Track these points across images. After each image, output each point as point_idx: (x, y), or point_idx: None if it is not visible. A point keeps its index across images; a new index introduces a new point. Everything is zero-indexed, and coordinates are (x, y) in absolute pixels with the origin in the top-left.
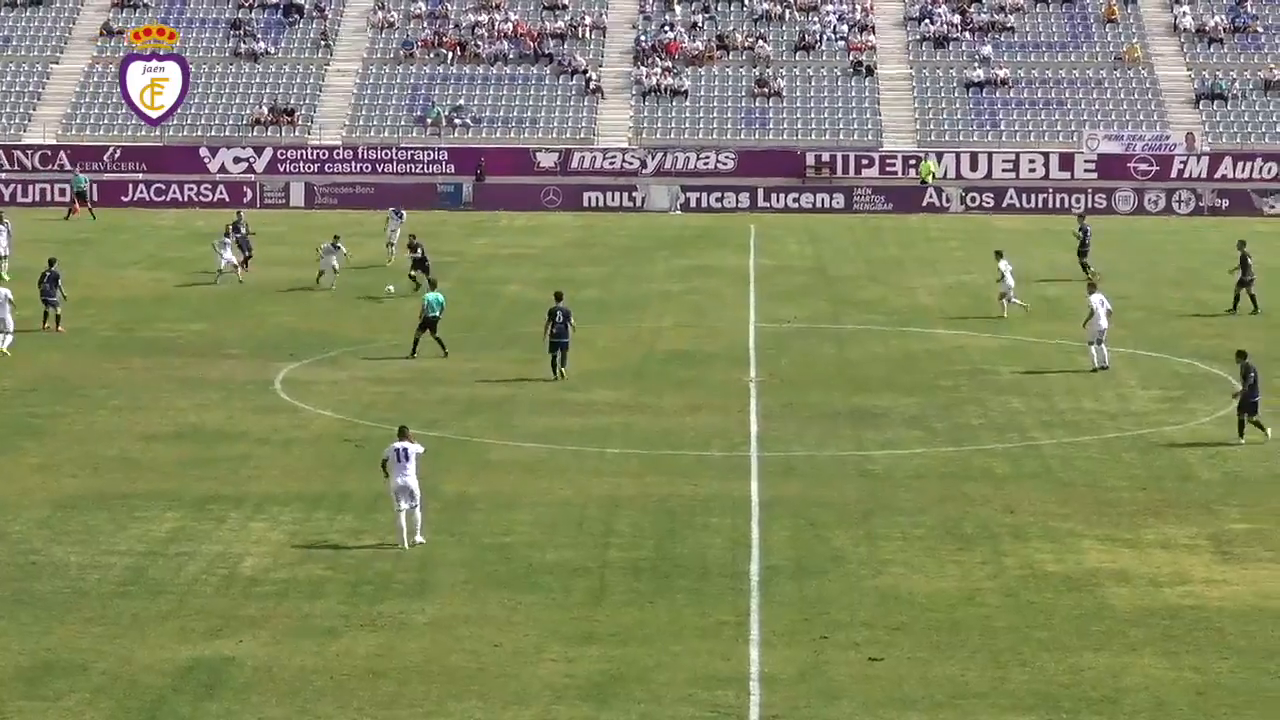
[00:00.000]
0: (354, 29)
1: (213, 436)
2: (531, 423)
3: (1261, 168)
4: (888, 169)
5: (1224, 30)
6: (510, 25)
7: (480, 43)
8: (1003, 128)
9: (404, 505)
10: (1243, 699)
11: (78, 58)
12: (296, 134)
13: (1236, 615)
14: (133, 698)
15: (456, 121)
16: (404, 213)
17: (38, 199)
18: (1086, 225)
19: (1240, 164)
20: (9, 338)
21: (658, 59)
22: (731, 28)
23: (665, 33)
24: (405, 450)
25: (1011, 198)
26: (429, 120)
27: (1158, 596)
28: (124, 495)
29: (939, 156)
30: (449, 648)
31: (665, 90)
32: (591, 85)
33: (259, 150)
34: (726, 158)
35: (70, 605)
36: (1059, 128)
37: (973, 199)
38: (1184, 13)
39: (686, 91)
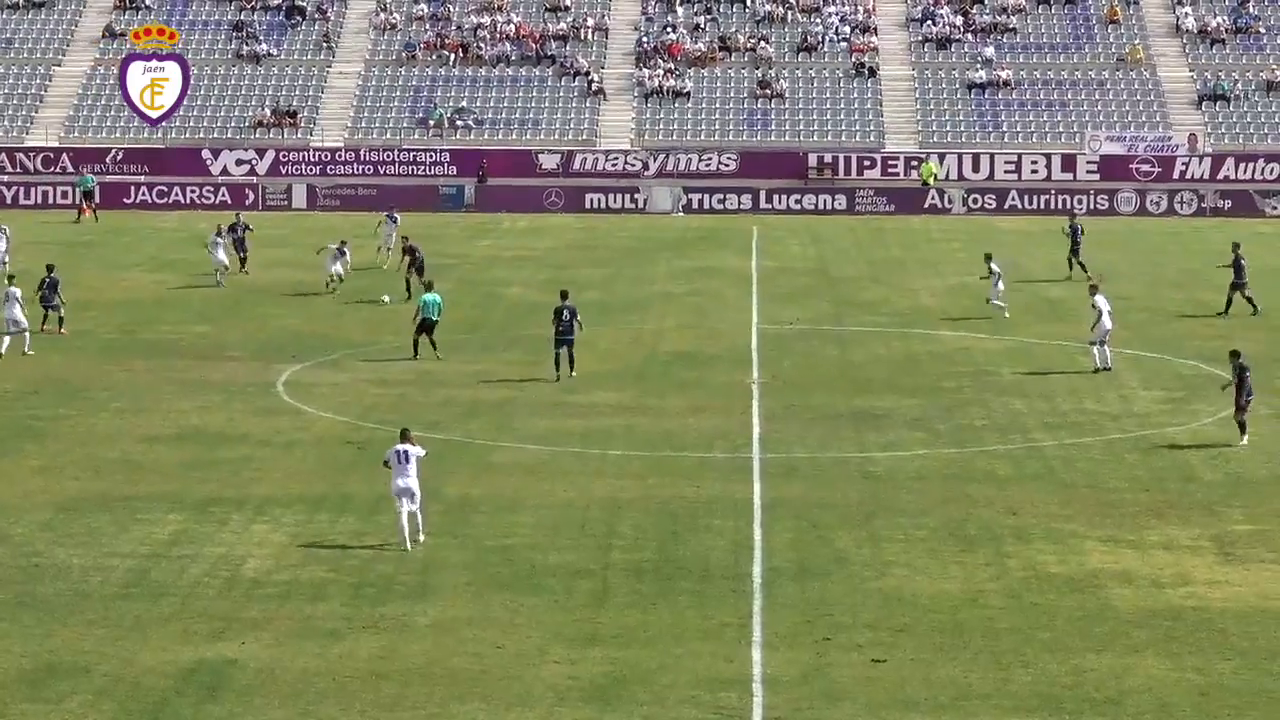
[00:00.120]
0: (356, 31)
1: (215, 438)
2: (533, 425)
3: (1264, 169)
4: (890, 170)
5: (1226, 31)
6: (512, 27)
7: (482, 44)
8: (1005, 129)
9: (405, 506)
10: (1245, 700)
11: (80, 60)
12: (298, 136)
13: (1239, 616)
14: (135, 700)
15: (458, 123)
16: (398, 216)
17: (40, 201)
18: (1077, 224)
19: (1242, 165)
20: (28, 336)
21: (660, 60)
22: (733, 29)
23: (667, 34)
24: (406, 453)
25: (1013, 199)
26: (431, 122)
27: (1160, 598)
28: (126, 497)
29: (941, 158)
30: (452, 650)
31: (667, 92)
32: (593, 87)
33: (261, 152)
34: (728, 159)
35: (73, 607)
36: (1061, 129)
37: (975, 200)
38: (1186, 14)
39: (688, 93)
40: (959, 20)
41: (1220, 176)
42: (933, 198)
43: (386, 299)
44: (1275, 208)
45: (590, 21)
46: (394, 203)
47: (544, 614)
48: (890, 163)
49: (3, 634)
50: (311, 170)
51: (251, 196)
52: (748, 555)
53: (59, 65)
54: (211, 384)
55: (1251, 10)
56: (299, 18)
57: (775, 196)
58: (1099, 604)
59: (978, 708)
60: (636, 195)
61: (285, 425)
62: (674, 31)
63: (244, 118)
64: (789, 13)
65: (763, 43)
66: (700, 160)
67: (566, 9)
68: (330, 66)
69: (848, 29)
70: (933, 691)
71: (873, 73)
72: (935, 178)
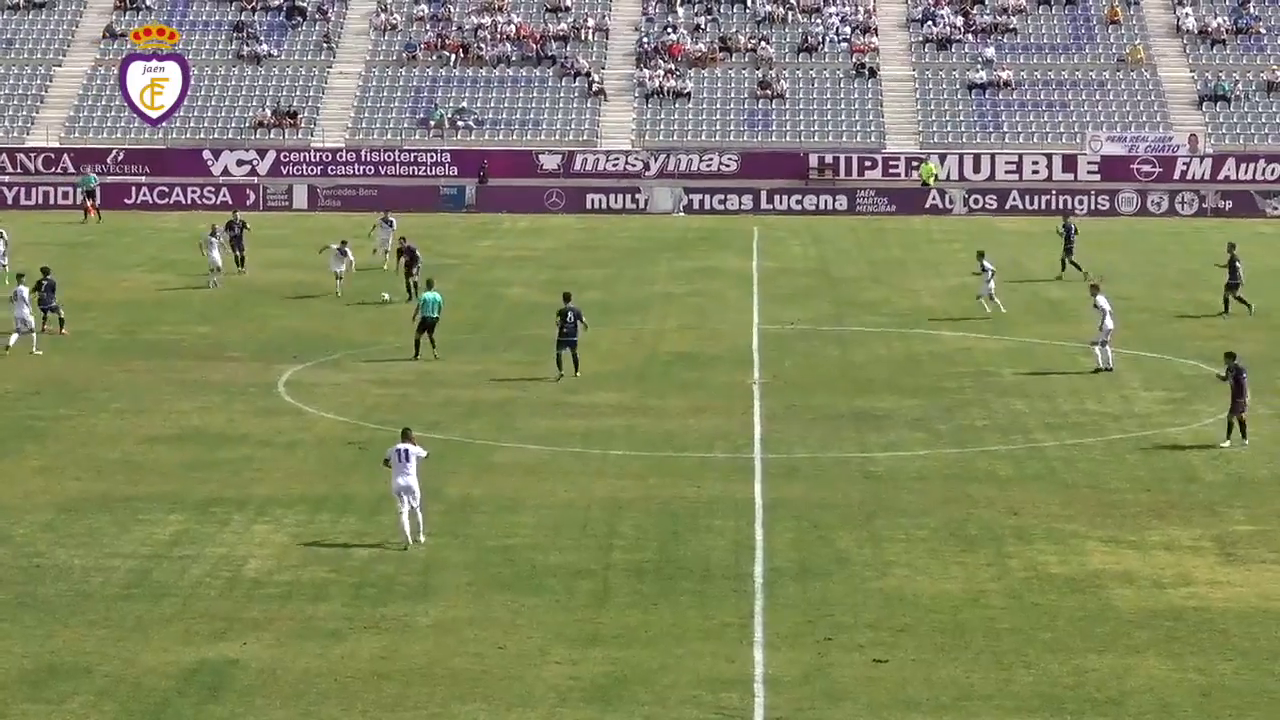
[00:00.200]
0: (356, 31)
1: (216, 439)
2: (534, 425)
3: (1264, 169)
4: (890, 171)
5: (1227, 31)
6: (513, 27)
7: (483, 45)
8: (1005, 129)
9: (405, 505)
10: (1247, 700)
11: (80, 60)
12: (299, 136)
13: (1240, 617)
14: (136, 700)
15: (459, 124)
16: (393, 220)
17: (41, 202)
18: (1070, 223)
19: (1243, 165)
20: (35, 337)
21: (660, 61)
22: (734, 30)
23: (668, 35)
24: (406, 451)
25: (1014, 199)
26: (432, 122)
27: (1162, 598)
28: (127, 498)
29: (942, 158)
30: (453, 650)
31: (668, 92)
32: (594, 87)
33: (262, 153)
34: (729, 160)
35: (74, 608)
36: (1062, 129)
37: (975, 201)
38: (1187, 14)
39: (689, 93)
40: (959, 21)
41: (1221, 177)
42: (933, 198)
43: (386, 296)
44: (1276, 208)
45: (591, 22)
46: (390, 205)
47: (545, 614)
48: (891, 163)
49: (4, 634)
50: (312, 171)
51: (252, 197)
52: (749, 555)
53: (59, 66)
54: (212, 384)
55: (1252, 10)
56: (299, 18)
57: (776, 197)
58: (1100, 604)
59: (979, 708)
60: (637, 196)
61: (286, 426)
62: (674, 32)
63: (245, 118)
64: (789, 13)
65: (763, 43)
66: (701, 161)
67: (567, 9)
68: (331, 67)
69: (848, 29)
70: (934, 692)
71: (873, 73)
72: (935, 178)
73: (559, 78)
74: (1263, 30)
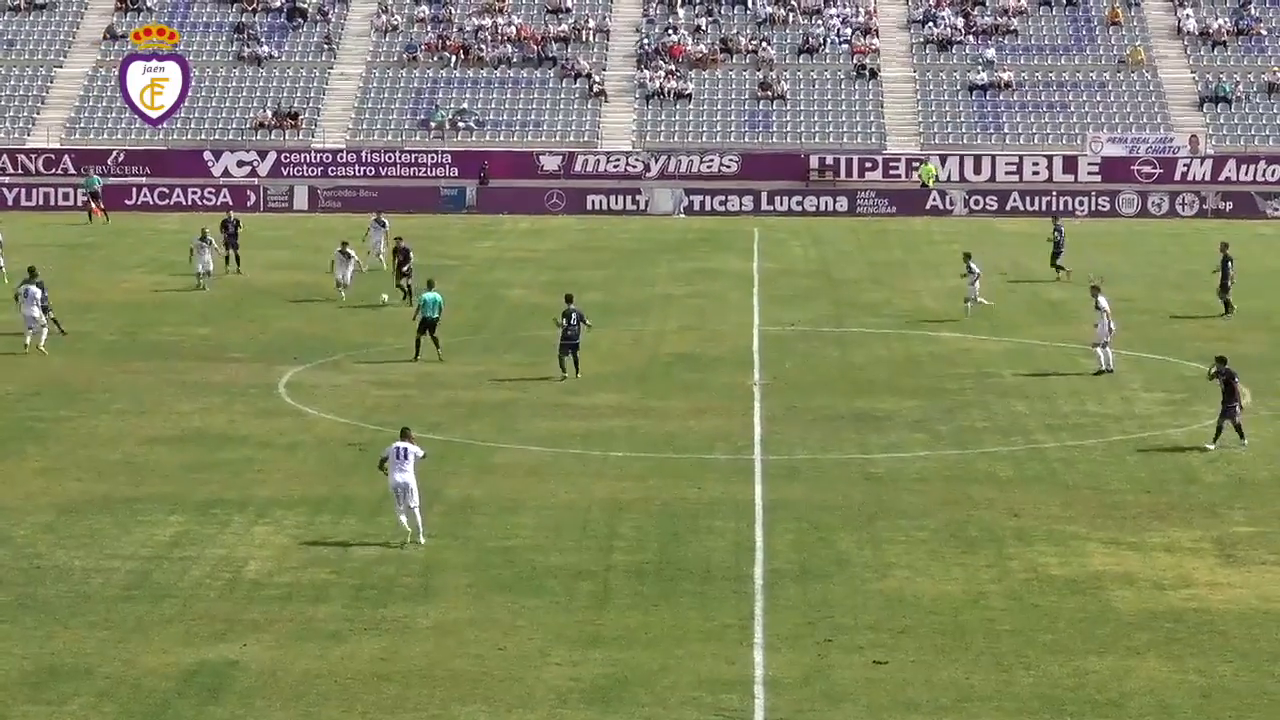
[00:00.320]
0: (357, 32)
1: (216, 440)
2: (535, 426)
3: (1265, 170)
4: (891, 172)
5: (1227, 33)
6: (514, 29)
7: (484, 46)
8: (1006, 130)
9: (402, 503)
10: (1247, 702)
11: (81, 61)
12: (300, 137)
13: (1240, 618)
14: (137, 702)
15: (460, 125)
16: (386, 221)
17: (42, 203)
18: (1061, 226)
19: (1244, 166)
20: (44, 334)
21: (661, 62)
22: (735, 31)
23: (668, 36)
24: (405, 450)
25: (1015, 200)
26: (432, 124)
27: (1162, 599)
28: (128, 499)
29: (942, 159)
30: (453, 651)
31: (669, 93)
32: (595, 88)
33: (262, 154)
34: (730, 161)
35: (74, 609)
36: (1062, 131)
37: (976, 202)
38: (1187, 15)
39: (690, 95)
40: (960, 22)
41: (1222, 178)
42: (934, 199)
43: (385, 298)
44: (1277, 209)
45: (591, 23)
46: (390, 206)
47: (545, 615)
48: (892, 164)
49: (4, 636)
50: (313, 172)
51: (253, 198)
52: (749, 557)
53: (60, 67)
54: (213, 386)
55: (1253, 12)
56: (300, 19)
57: (776, 198)
58: (1101, 606)
59: (979, 709)
60: (638, 197)
61: (287, 427)
62: (675, 33)
63: (245, 119)
64: (790, 15)
65: (764, 44)
66: (701, 162)
67: (568, 11)
68: (331, 68)
69: (849, 31)
70: (934, 693)
71: (874, 74)
72: (935, 179)
73: (560, 79)
74: (1263, 31)
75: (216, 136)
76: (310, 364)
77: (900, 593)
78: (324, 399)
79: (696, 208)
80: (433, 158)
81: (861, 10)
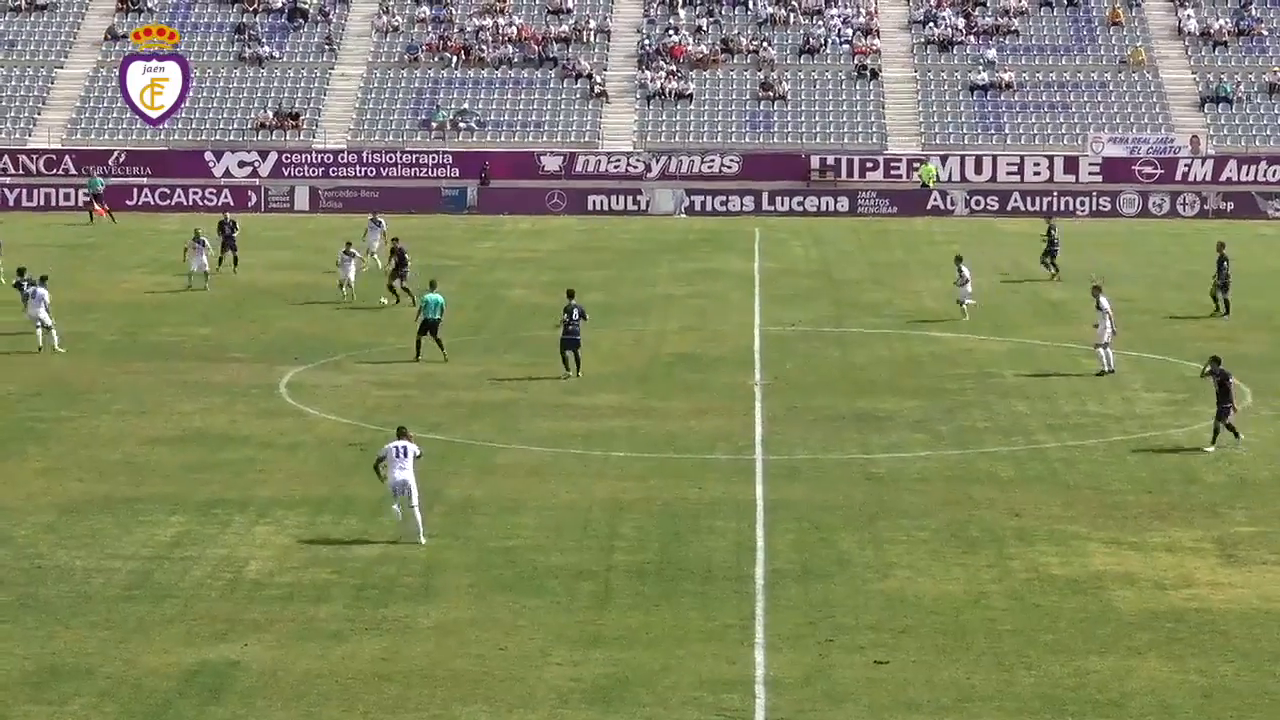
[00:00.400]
0: (358, 33)
1: (217, 440)
2: (536, 426)
3: (1266, 170)
4: (892, 172)
5: (1228, 33)
6: (515, 29)
7: (485, 46)
8: (1007, 131)
9: (402, 500)
10: (1248, 702)
11: (82, 62)
12: (301, 138)
13: (1241, 618)
14: (138, 702)
15: (461, 125)
16: (383, 220)
17: (43, 204)
18: (1054, 225)
19: (1245, 167)
20: (55, 334)
21: (662, 63)
22: (736, 31)
23: (670, 36)
24: (405, 448)
25: (1016, 201)
26: (433, 124)
27: (1163, 599)
28: (129, 499)
29: (943, 160)
30: (454, 651)
31: (670, 94)
32: (596, 89)
33: (263, 154)
34: (731, 161)
35: (75, 609)
36: (1064, 131)
37: (977, 202)
38: (1188, 16)
39: (691, 95)
40: (961, 22)
41: (1223, 178)
42: (935, 200)
43: (385, 301)
44: (1277, 210)
45: (592, 24)
46: (390, 207)
47: (546, 615)
48: (893, 165)
49: (5, 636)
50: (314, 172)
51: (254, 198)
52: (750, 557)
53: (61, 67)
54: (214, 386)
55: (1254, 12)
56: (301, 20)
57: (777, 198)
58: (1102, 606)
59: (980, 710)
60: (639, 197)
61: (288, 427)
62: (676, 34)
63: (246, 120)
64: (791, 15)
65: (765, 45)
66: (702, 162)
67: (569, 11)
68: (332, 69)
69: (850, 31)
70: (935, 693)
71: (875, 75)
72: (935, 180)
73: (560, 79)
74: (1264, 32)
75: (218, 137)
76: (311, 364)
77: (901, 593)
78: (325, 399)
79: (697, 208)
80: (434, 158)
81: (862, 11)
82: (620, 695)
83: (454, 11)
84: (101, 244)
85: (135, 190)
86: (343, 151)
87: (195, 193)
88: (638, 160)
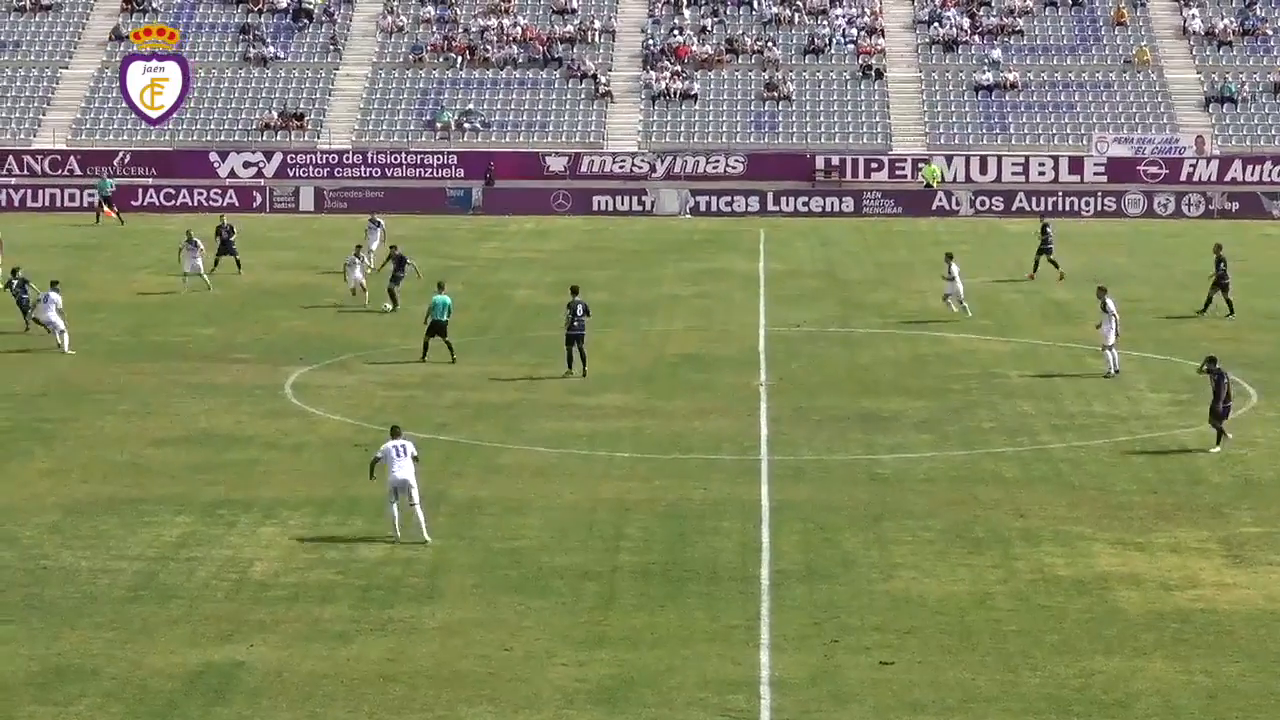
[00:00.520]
0: (363, 33)
1: (222, 441)
2: (541, 427)
3: (1271, 170)
4: (897, 172)
5: (1233, 33)
6: (519, 29)
7: (489, 47)
8: (1012, 131)
9: (401, 500)
10: (1254, 703)
11: (87, 62)
12: (306, 138)
13: (1247, 619)
14: (143, 703)
15: (466, 126)
16: (382, 221)
17: (47, 204)
18: (1048, 225)
19: (1250, 167)
20: (65, 336)
21: (667, 63)
22: (740, 31)
23: (674, 36)
24: (404, 447)
25: (1021, 201)
26: (438, 124)
27: (1168, 600)
28: (134, 500)
29: (948, 160)
30: (460, 652)
31: (674, 94)
32: (601, 89)
33: (268, 155)
34: (736, 161)
35: (81, 610)
36: (1068, 131)
37: (982, 202)
38: (1193, 15)
39: (696, 95)
40: (966, 22)
41: (1228, 178)
42: (940, 200)
43: (388, 307)
44: None
45: (597, 24)
46: (391, 208)
47: (552, 616)
48: (898, 165)
49: (11, 637)
50: (319, 173)
51: (259, 199)
52: (755, 557)
53: (66, 68)
54: (219, 386)
55: (1259, 12)
56: (306, 20)
57: (783, 198)
58: (1107, 606)
59: (985, 710)
60: (644, 197)
61: (293, 428)
62: (681, 34)
63: (251, 120)
64: (796, 15)
65: (770, 45)
66: (707, 162)
67: (573, 11)
68: (337, 69)
69: (855, 31)
70: (940, 694)
71: (880, 75)
72: (940, 180)
73: (565, 80)
74: (1269, 32)
75: (223, 138)
76: (316, 365)
77: (906, 593)
78: (330, 400)
79: (702, 208)
80: (439, 158)
81: (867, 10)
82: (625, 696)
83: (459, 12)
84: (107, 244)
85: (140, 191)
86: (347, 152)
87: (200, 193)
88: (642, 160)
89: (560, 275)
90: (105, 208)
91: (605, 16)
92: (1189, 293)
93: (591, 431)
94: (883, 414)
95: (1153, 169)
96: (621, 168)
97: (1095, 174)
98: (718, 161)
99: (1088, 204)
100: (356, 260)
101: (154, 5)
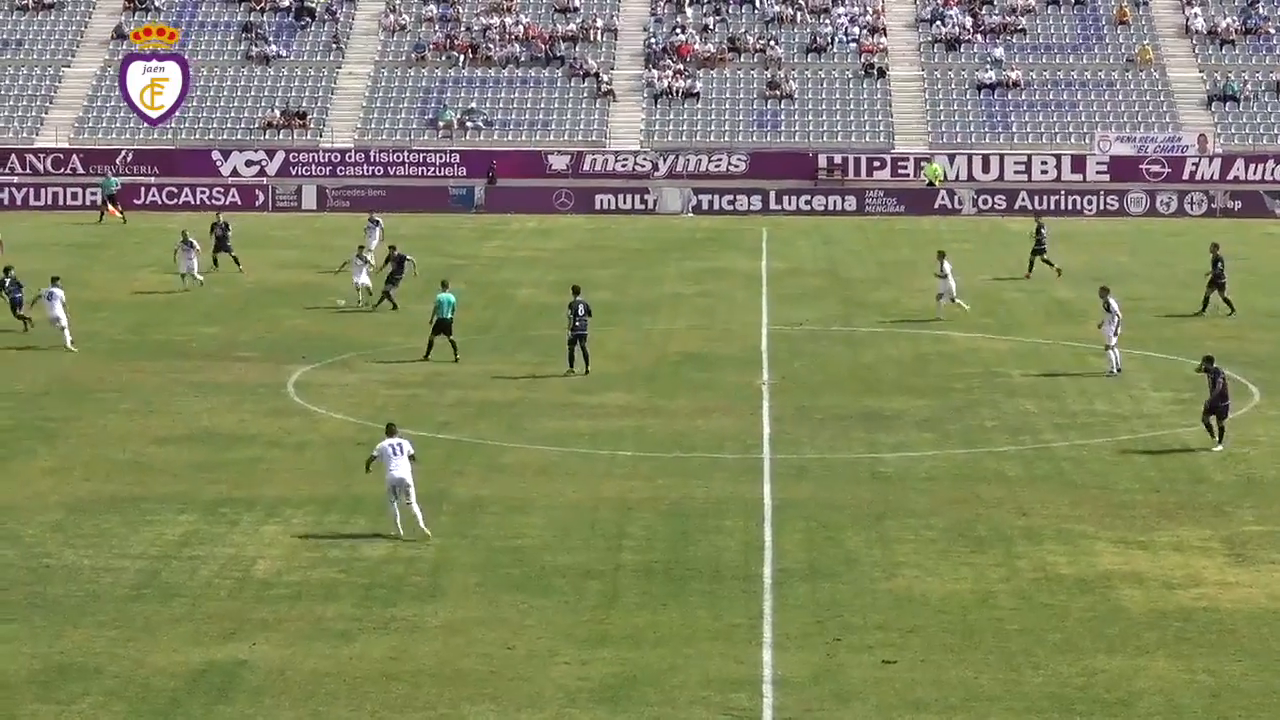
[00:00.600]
0: (365, 32)
1: (225, 439)
2: (543, 425)
3: (1274, 169)
4: (899, 171)
5: (1236, 32)
6: (522, 28)
7: (492, 45)
8: (1014, 130)
9: (401, 499)
10: (1256, 701)
11: (89, 61)
12: (308, 137)
13: (1250, 617)
14: (146, 701)
15: (468, 124)
16: (380, 220)
17: (50, 203)
18: (1042, 224)
19: (1252, 166)
20: (68, 333)
21: (669, 61)
22: (743, 30)
23: (676, 35)
24: (401, 445)
25: (1023, 199)
26: (441, 123)
27: (1171, 599)
28: (136, 498)
29: (951, 159)
30: (462, 651)
31: (677, 93)
32: (603, 88)
33: (271, 153)
34: (738, 160)
35: (83, 609)
36: (1071, 130)
37: (985, 201)
38: (1196, 14)
39: (698, 94)
40: (968, 21)
41: (1230, 177)
42: (942, 198)
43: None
44: None
45: (599, 22)
46: (391, 207)
47: (554, 615)
48: (900, 163)
49: (13, 635)
50: (321, 171)
51: (261, 198)
52: (758, 556)
53: (68, 67)
54: (222, 385)
55: (1261, 11)
56: (308, 19)
57: (785, 197)
58: (1110, 605)
59: (988, 709)
60: (646, 196)
61: (296, 426)
62: (683, 32)
63: (254, 119)
64: (798, 13)
65: (772, 43)
66: (710, 161)
67: (576, 10)
68: (340, 68)
69: (857, 30)
70: (943, 692)
71: (882, 73)
72: (942, 179)
73: (568, 78)
74: (1272, 31)
75: (225, 136)
76: (319, 363)
77: (909, 592)
78: (333, 398)
79: (705, 207)
80: (441, 157)
81: (869, 9)
82: (628, 694)
83: (461, 10)
84: (109, 243)
85: (142, 189)
86: (350, 151)
87: (202, 192)
88: (645, 159)
89: (562, 274)
90: (109, 206)
91: (607, 15)
92: (1191, 291)
93: (594, 430)
94: (885, 413)
95: (1155, 168)
96: (624, 166)
97: (1097, 173)
98: (720, 160)
99: (1090, 203)
100: (361, 263)
101: (156, 4)
